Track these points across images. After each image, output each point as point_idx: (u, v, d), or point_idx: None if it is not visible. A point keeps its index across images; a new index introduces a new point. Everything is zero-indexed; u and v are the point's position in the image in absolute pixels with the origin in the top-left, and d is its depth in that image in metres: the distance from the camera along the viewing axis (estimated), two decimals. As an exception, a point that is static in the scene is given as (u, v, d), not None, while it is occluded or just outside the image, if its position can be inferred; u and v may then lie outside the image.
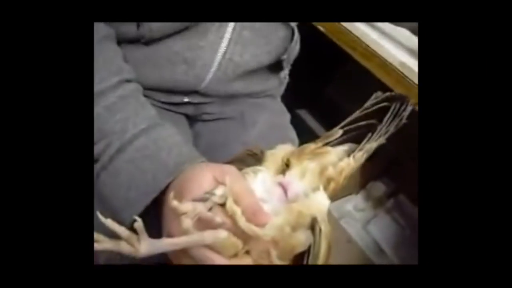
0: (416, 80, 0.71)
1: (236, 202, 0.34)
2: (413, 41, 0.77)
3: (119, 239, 0.32)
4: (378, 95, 0.41)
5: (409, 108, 0.39)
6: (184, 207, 0.32)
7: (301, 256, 0.37)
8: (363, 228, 1.31)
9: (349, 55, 0.83)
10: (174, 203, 0.32)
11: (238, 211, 0.34)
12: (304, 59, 0.68)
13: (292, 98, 0.80)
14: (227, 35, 0.53)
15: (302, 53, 0.67)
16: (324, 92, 1.45)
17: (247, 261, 0.35)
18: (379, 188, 1.37)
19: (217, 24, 0.52)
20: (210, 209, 0.34)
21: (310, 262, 0.36)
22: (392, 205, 1.36)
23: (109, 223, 0.31)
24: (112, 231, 0.32)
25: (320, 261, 0.37)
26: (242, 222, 0.34)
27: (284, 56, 0.57)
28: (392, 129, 0.39)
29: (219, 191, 0.35)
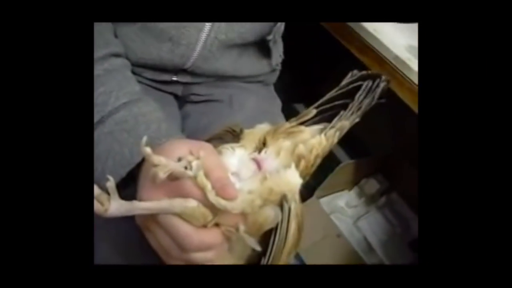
0: (408, 74, 0.71)
1: (206, 175, 0.35)
2: (408, 36, 0.77)
3: None
4: (354, 73, 0.40)
5: (382, 85, 0.39)
6: (157, 159, 0.33)
7: (270, 234, 0.38)
8: (354, 224, 1.31)
9: (346, 50, 0.83)
10: (147, 150, 0.32)
11: (208, 184, 0.34)
12: (302, 52, 0.67)
13: (289, 92, 0.79)
14: None
15: (300, 47, 0.67)
16: (321, 86, 1.45)
17: (215, 232, 0.36)
18: (372, 185, 1.37)
19: None
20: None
21: (277, 240, 0.37)
22: (384, 202, 1.36)
23: None
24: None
25: (290, 241, 0.37)
26: (211, 195, 0.34)
27: (270, 37, 0.57)
28: (364, 107, 0.39)
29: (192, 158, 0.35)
